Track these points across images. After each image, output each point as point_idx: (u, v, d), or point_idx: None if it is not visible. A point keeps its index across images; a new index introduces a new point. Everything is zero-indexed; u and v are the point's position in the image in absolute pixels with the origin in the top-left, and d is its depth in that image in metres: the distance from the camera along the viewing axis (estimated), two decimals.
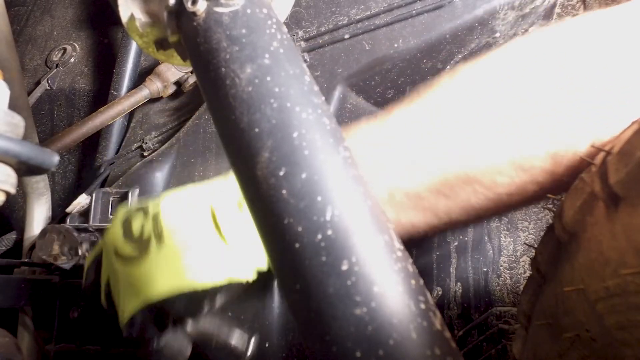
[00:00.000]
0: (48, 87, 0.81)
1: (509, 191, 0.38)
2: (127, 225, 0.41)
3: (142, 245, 0.39)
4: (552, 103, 0.36)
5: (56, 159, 0.31)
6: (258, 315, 0.52)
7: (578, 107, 0.35)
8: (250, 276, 0.40)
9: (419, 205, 0.40)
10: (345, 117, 0.62)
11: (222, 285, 0.38)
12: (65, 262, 0.55)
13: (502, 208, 0.40)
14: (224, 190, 0.41)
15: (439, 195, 0.39)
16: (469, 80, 0.40)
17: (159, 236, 0.38)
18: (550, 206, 0.62)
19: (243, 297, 0.43)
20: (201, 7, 0.26)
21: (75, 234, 0.56)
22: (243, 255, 0.39)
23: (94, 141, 0.73)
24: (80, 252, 0.55)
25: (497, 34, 0.59)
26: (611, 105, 0.34)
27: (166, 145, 0.66)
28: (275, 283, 0.49)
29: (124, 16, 0.31)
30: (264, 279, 0.41)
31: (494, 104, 0.38)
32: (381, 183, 0.40)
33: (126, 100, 0.68)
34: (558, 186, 0.37)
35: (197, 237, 0.38)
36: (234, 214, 0.39)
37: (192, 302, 0.38)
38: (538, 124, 0.36)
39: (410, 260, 0.21)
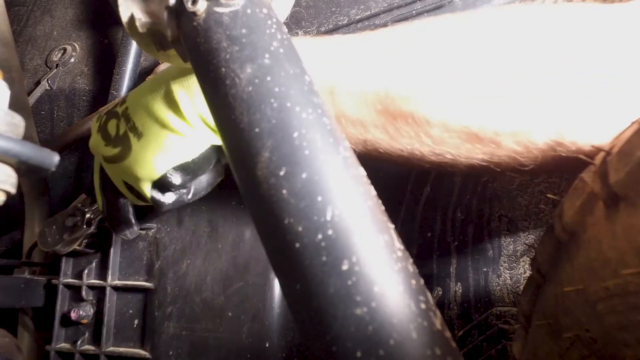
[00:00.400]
0: (48, 87, 0.81)
1: (457, 154, 0.38)
2: (103, 131, 0.46)
3: (122, 141, 0.44)
4: (551, 84, 0.35)
5: (56, 159, 0.31)
6: (258, 315, 0.52)
7: (578, 100, 0.34)
8: (216, 140, 0.44)
9: (363, 135, 0.41)
10: None
11: (201, 155, 0.43)
12: (83, 232, 0.56)
13: (446, 166, 0.40)
14: (178, 74, 0.43)
15: (383, 133, 0.40)
16: (454, 25, 0.39)
17: (134, 129, 0.43)
18: (551, 206, 0.62)
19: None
20: (201, 7, 0.26)
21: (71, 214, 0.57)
22: (204, 125, 0.43)
23: None
24: (88, 214, 0.57)
25: None
26: (610, 101, 0.34)
27: None
28: (273, 301, 0.54)
29: (124, 16, 0.31)
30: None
31: (477, 55, 0.36)
32: (325, 79, 0.40)
33: None
34: (514, 168, 0.37)
35: (161, 116, 0.42)
36: (190, 97, 0.42)
37: (185, 171, 0.44)
38: (521, 102, 0.35)
39: (411, 260, 0.21)
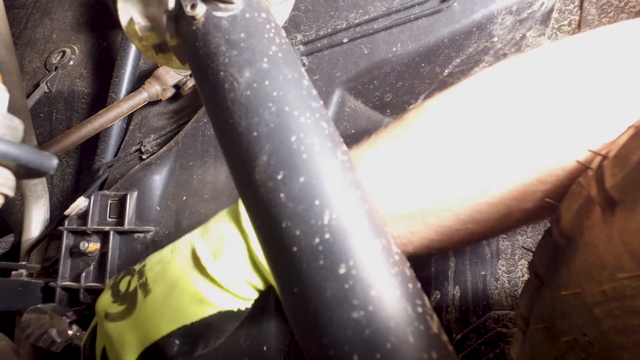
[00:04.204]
0: (47, 90, 0.81)
1: (497, 216, 0.37)
2: (114, 288, 0.42)
3: (129, 299, 0.40)
4: (547, 118, 0.35)
5: (55, 162, 0.31)
6: (256, 318, 0.52)
7: (574, 118, 0.35)
8: (242, 305, 0.39)
9: (415, 235, 0.38)
10: (343, 120, 0.62)
11: (213, 317, 0.38)
12: (55, 346, 0.52)
13: (502, 225, 0.38)
14: (205, 232, 0.40)
15: (420, 224, 0.37)
16: (457, 100, 0.38)
17: (144, 286, 0.39)
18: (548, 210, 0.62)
19: (247, 325, 0.43)
20: (200, 12, 0.26)
21: (63, 313, 0.54)
22: (231, 283, 0.38)
23: (93, 144, 0.73)
24: (70, 333, 0.53)
25: (495, 38, 0.59)
26: (605, 111, 0.34)
27: (165, 148, 0.66)
28: (271, 305, 0.49)
29: (123, 20, 0.31)
30: (264, 302, 0.41)
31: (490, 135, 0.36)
32: None
33: (125, 103, 0.68)
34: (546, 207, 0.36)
35: (181, 279, 0.38)
36: (214, 248, 0.38)
37: (187, 338, 0.38)
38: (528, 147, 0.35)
39: (408, 264, 0.22)
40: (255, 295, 0.40)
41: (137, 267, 0.42)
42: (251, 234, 0.37)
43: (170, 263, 0.39)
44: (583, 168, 0.32)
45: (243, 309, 0.39)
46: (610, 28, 0.37)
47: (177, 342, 0.38)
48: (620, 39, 0.36)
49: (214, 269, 0.37)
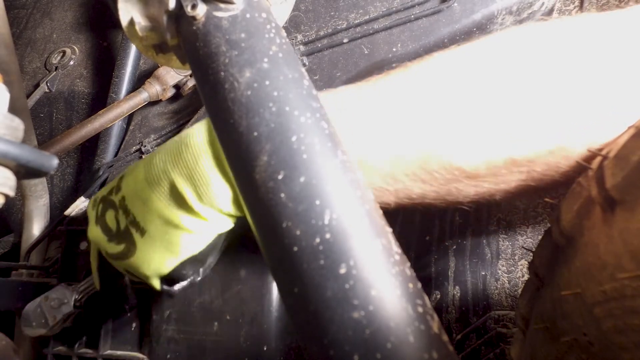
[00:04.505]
0: (47, 90, 0.81)
1: (492, 180, 0.37)
2: (102, 223, 0.44)
3: (125, 238, 0.42)
4: (549, 101, 0.35)
5: (55, 162, 0.31)
6: (256, 318, 0.52)
7: (575, 110, 0.35)
8: (230, 224, 0.41)
9: (393, 186, 0.39)
10: None
11: (210, 243, 0.41)
12: (65, 308, 0.53)
13: (484, 197, 0.39)
14: (182, 169, 0.40)
15: (415, 180, 0.38)
16: (460, 63, 0.39)
17: (136, 224, 0.41)
18: (548, 210, 0.62)
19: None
20: (201, 12, 0.26)
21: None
22: (217, 217, 0.40)
23: (93, 144, 0.74)
24: (75, 296, 0.54)
25: None
26: (607, 109, 0.34)
27: None
28: (271, 305, 0.53)
29: (123, 20, 0.31)
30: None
31: (488, 93, 0.36)
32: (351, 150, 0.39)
33: (125, 103, 0.68)
34: (549, 184, 0.36)
35: (171, 218, 0.40)
36: (203, 194, 0.40)
37: (194, 263, 0.42)
38: (536, 120, 0.35)
39: (408, 264, 0.22)
40: (239, 212, 0.42)
41: (115, 199, 0.43)
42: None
43: (152, 199, 0.41)
44: (578, 164, 0.32)
45: (232, 226, 0.42)
46: (616, 14, 0.37)
47: (188, 267, 0.42)
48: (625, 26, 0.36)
49: (202, 210, 0.39)
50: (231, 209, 0.39)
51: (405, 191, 0.39)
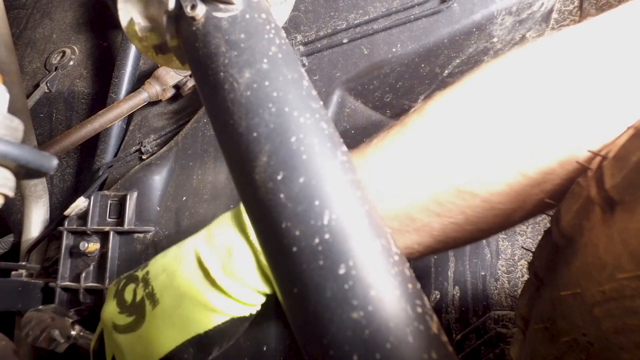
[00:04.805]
0: (47, 90, 0.81)
1: (507, 200, 0.37)
2: (119, 297, 0.42)
3: (137, 310, 0.40)
4: (547, 111, 0.36)
5: (55, 162, 0.31)
6: (255, 319, 0.52)
7: (575, 114, 0.35)
8: (252, 310, 0.40)
9: (411, 226, 0.38)
10: (343, 121, 0.62)
11: (225, 324, 0.39)
12: (57, 346, 0.53)
13: (503, 219, 0.38)
14: (209, 238, 0.40)
15: (430, 214, 0.38)
16: (458, 96, 0.39)
17: (152, 296, 0.39)
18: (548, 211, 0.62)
19: (247, 326, 0.43)
20: (200, 12, 0.26)
21: (64, 313, 0.54)
22: (241, 293, 0.39)
23: (93, 144, 0.74)
24: (73, 333, 0.53)
25: (495, 39, 0.59)
26: (606, 111, 0.34)
27: (165, 148, 0.66)
28: (278, 305, 0.50)
29: (123, 20, 0.31)
30: (266, 305, 0.42)
31: (486, 116, 0.37)
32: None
33: (125, 103, 0.68)
34: (560, 192, 0.36)
35: (190, 290, 0.38)
36: (222, 259, 0.39)
37: (200, 346, 0.39)
38: (535, 131, 0.35)
39: (407, 264, 0.22)
40: (264, 299, 0.40)
41: (139, 274, 0.42)
42: (259, 245, 0.38)
43: (176, 272, 0.39)
44: (582, 168, 0.32)
45: (254, 312, 0.40)
46: (613, 14, 0.37)
47: (191, 350, 0.38)
48: (624, 28, 0.36)
49: (224, 281, 0.38)
50: (257, 280, 0.38)
51: (425, 229, 0.38)
